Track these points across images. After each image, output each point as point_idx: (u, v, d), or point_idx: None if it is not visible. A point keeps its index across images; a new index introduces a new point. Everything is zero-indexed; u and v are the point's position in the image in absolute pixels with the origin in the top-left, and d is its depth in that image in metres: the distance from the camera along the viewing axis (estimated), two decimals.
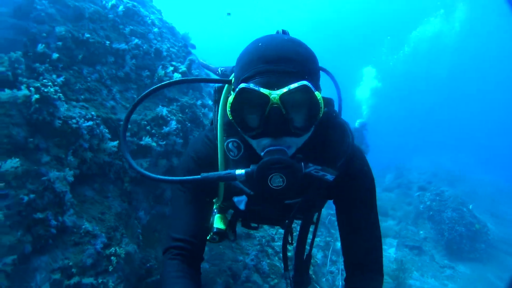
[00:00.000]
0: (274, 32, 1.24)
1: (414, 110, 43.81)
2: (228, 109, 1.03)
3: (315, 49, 1.14)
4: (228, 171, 1.10)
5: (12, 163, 2.32)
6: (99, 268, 2.70)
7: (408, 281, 6.98)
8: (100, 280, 2.66)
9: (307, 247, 1.65)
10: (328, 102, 1.27)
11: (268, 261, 4.54)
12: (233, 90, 1.07)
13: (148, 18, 5.02)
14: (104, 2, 4.39)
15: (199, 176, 1.11)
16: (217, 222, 1.50)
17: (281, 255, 4.94)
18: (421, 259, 8.10)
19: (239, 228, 4.63)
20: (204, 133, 1.35)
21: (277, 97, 0.96)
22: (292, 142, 1.05)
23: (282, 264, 1.57)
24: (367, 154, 8.66)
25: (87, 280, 2.55)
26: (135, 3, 4.87)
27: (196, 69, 5.31)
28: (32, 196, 2.41)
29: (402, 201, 10.62)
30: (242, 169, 1.08)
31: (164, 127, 3.95)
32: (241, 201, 1.33)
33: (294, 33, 1.28)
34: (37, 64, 3.00)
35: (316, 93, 0.99)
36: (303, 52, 1.04)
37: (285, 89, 0.96)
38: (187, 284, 1.15)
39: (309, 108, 1.02)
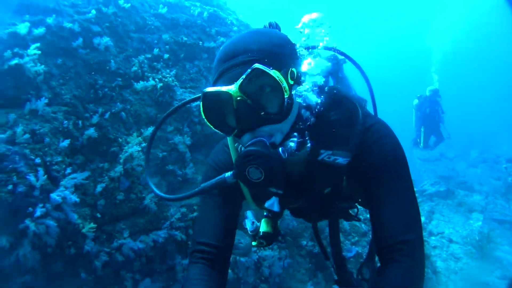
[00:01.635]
0: (263, 26, 1.19)
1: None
2: (203, 116, 1.02)
3: None
4: (220, 176, 1.09)
5: (150, 130, 3.33)
6: None
7: (495, 253, 6.84)
8: None
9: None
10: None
11: (349, 222, 5.09)
12: None
13: (227, 19, 5.93)
14: (192, 11, 5.42)
15: (197, 189, 1.13)
16: (263, 226, 1.47)
17: (361, 216, 5.30)
18: None
19: None
20: (223, 141, 1.34)
21: (237, 90, 0.93)
22: (272, 129, 0.99)
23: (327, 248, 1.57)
24: (443, 122, 7.86)
25: None
26: (215, 8, 5.84)
27: None
28: (164, 153, 3.40)
29: (489, 175, 10.08)
30: (230, 171, 1.07)
31: None
32: (272, 204, 1.22)
33: None
34: (155, 63, 4.05)
35: (273, 71, 0.92)
36: (264, 38, 1.00)
37: (240, 79, 0.93)
38: (207, 287, 1.15)
39: (272, 89, 0.96)
